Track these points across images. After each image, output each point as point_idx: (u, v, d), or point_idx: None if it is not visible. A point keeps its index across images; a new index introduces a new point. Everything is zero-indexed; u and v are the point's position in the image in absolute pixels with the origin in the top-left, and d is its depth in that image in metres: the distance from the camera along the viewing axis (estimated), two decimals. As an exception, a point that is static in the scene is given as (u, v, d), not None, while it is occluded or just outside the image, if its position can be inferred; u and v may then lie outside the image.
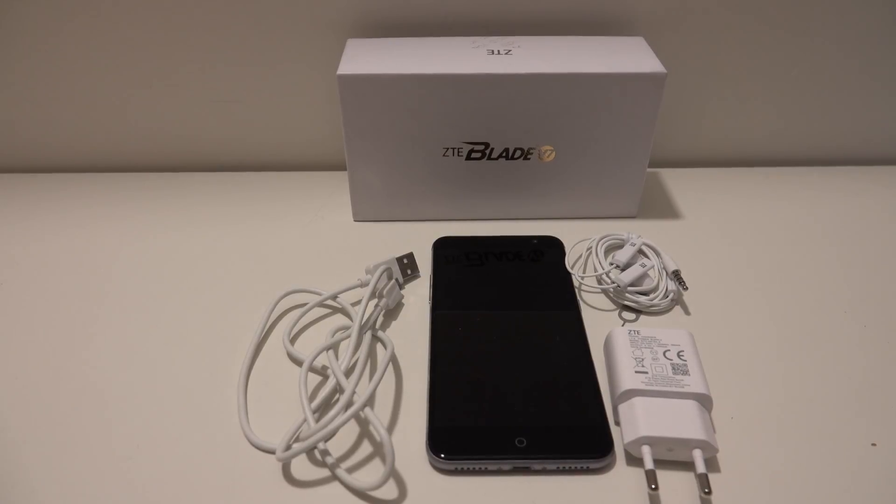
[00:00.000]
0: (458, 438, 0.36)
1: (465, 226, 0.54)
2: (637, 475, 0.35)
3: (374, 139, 0.50)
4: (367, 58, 0.49)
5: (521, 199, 0.54)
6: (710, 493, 0.33)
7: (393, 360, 0.42)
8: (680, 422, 0.35)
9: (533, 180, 0.53)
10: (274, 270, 0.50)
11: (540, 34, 0.53)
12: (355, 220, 0.55)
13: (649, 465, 0.34)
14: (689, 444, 0.34)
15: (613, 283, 0.46)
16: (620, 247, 0.50)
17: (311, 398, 0.39)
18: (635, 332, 0.40)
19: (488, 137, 0.50)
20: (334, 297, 0.45)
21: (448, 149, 0.51)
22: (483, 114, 0.49)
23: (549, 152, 0.51)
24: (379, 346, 0.43)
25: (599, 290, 0.48)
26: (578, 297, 0.47)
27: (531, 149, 0.51)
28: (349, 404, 0.36)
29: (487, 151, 0.51)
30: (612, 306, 0.47)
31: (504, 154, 0.51)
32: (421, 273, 0.49)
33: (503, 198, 0.54)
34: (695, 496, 0.34)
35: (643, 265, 0.47)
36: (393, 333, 0.44)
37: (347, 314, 0.45)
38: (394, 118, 0.49)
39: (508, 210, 0.54)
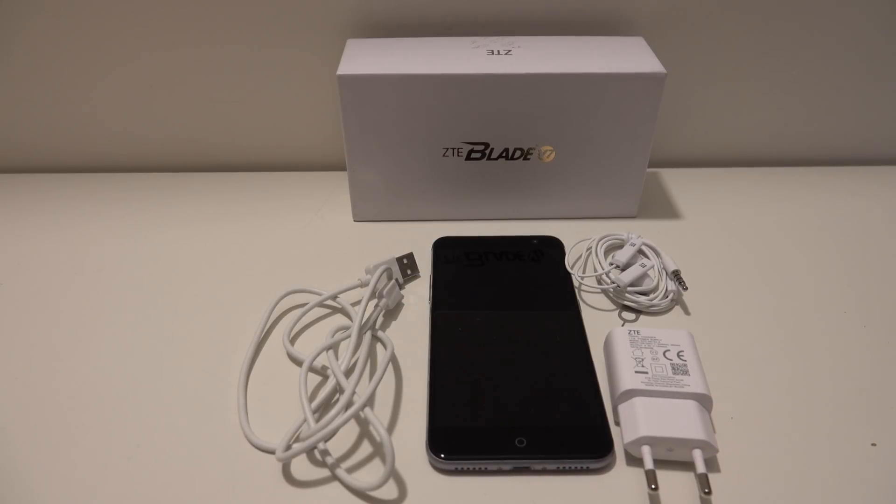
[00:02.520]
0: (458, 438, 0.36)
1: (465, 226, 0.54)
2: (637, 475, 0.35)
3: (374, 139, 0.50)
4: (367, 58, 0.49)
5: (521, 199, 0.54)
6: (710, 493, 0.33)
7: (393, 360, 0.42)
8: (680, 422, 0.35)
9: (533, 180, 0.53)
10: (274, 270, 0.50)
11: (540, 34, 0.53)
12: (355, 220, 0.55)
13: (649, 465, 0.34)
14: (689, 444, 0.34)
15: (613, 283, 0.46)
16: (620, 247, 0.50)
17: (311, 398, 0.39)
18: (635, 332, 0.40)
19: (488, 137, 0.50)
20: (334, 298, 0.45)
21: (448, 149, 0.51)
22: (483, 114, 0.49)
23: (549, 152, 0.51)
24: (379, 346, 0.43)
25: (599, 290, 0.48)
26: (578, 297, 0.47)
27: (531, 149, 0.51)
28: (349, 404, 0.36)
29: (487, 151, 0.51)
30: (612, 306, 0.47)
31: (504, 154, 0.51)
32: (421, 273, 0.49)
33: (503, 198, 0.54)
34: (695, 496, 0.34)
35: (643, 265, 0.47)
36: (393, 333, 0.44)
37: (347, 314, 0.45)
38: (394, 118, 0.49)
39: (508, 210, 0.54)
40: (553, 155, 0.51)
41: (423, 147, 0.51)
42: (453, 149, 0.51)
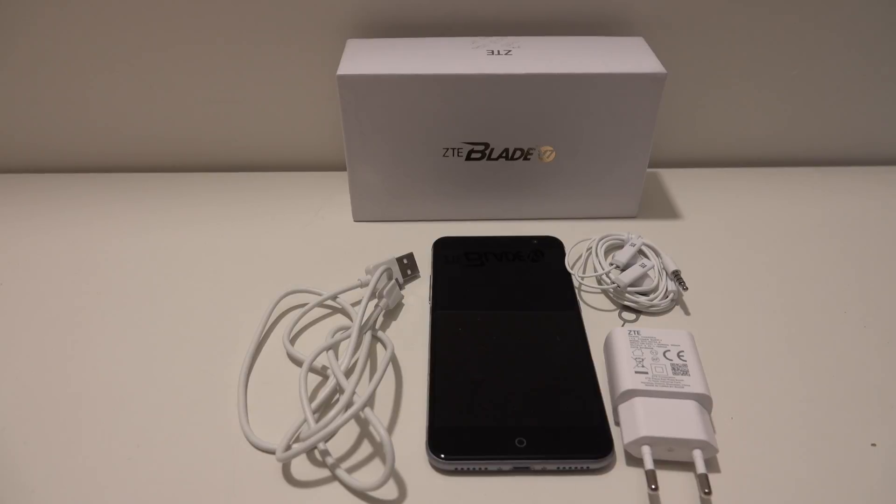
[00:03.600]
0: (458, 438, 0.36)
1: (465, 226, 0.54)
2: (637, 475, 0.35)
3: (374, 139, 0.50)
4: (367, 58, 0.49)
5: (521, 199, 0.54)
6: (710, 493, 0.33)
7: (393, 360, 0.42)
8: (680, 422, 0.35)
9: (533, 180, 0.53)
10: (274, 270, 0.50)
11: (540, 34, 0.53)
12: (355, 220, 0.55)
13: (649, 465, 0.34)
14: (689, 444, 0.34)
15: (613, 283, 0.46)
16: (620, 247, 0.50)
17: (311, 398, 0.39)
18: (635, 333, 0.40)
19: (488, 137, 0.50)
20: (334, 298, 0.45)
21: (448, 149, 0.51)
22: (483, 114, 0.49)
23: (549, 152, 0.51)
24: (379, 346, 0.43)
25: (599, 291, 0.48)
26: (578, 298, 0.47)
27: (531, 149, 0.51)
28: (349, 404, 0.36)
29: (487, 151, 0.51)
30: (612, 306, 0.47)
31: (504, 154, 0.51)
32: (421, 273, 0.49)
33: (503, 198, 0.54)
34: (695, 496, 0.34)
35: (643, 265, 0.47)
36: (393, 333, 0.44)
37: (347, 314, 0.45)
38: (394, 118, 0.49)
39: (508, 210, 0.54)
40: (553, 155, 0.51)
41: (423, 147, 0.51)
42: (453, 149, 0.51)
